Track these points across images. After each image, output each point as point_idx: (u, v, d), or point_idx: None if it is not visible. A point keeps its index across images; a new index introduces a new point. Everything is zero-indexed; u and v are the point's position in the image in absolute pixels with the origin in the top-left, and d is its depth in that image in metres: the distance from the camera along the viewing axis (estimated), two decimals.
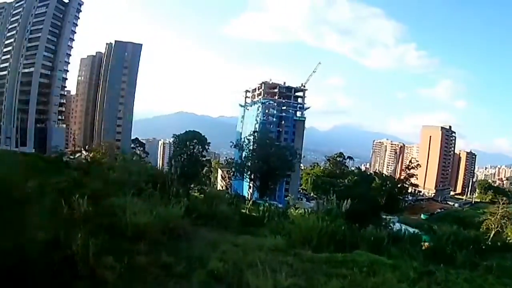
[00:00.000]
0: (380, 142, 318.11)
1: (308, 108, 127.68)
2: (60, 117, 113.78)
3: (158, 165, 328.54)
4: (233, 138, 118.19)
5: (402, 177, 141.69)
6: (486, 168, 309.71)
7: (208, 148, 60.74)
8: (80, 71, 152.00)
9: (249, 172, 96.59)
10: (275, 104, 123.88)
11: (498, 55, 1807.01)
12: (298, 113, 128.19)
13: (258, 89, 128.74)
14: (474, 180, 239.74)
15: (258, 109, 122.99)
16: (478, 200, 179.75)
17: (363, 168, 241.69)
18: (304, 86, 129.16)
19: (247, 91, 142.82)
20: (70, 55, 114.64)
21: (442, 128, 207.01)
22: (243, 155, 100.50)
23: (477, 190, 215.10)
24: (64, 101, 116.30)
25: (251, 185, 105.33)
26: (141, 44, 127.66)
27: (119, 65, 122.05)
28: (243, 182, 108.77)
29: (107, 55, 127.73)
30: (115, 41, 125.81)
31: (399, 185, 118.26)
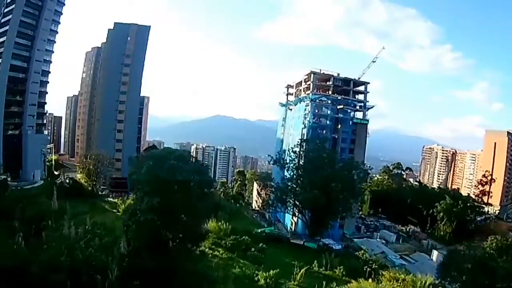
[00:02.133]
0: (430, 148, 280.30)
1: (372, 107, 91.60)
2: (40, 121, 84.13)
3: None
4: (272, 143, 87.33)
5: (474, 195, 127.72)
6: None
7: (211, 189, 26.51)
8: (84, 67, 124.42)
9: (296, 202, 62.54)
10: (329, 101, 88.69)
11: None
12: (357, 114, 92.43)
13: (305, 82, 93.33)
14: None
15: (305, 109, 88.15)
16: None
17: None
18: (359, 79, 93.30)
19: (289, 86, 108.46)
20: (54, 41, 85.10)
21: (508, 133, 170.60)
22: (287, 175, 66.50)
23: None
24: (46, 101, 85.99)
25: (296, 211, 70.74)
26: (149, 26, 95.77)
27: (118, 53, 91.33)
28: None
29: (107, 43, 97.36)
30: (115, 23, 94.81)
31: (469, 204, 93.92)
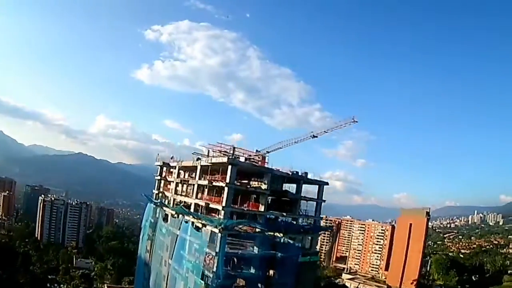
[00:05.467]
0: None
1: (329, 228, 47.96)
2: None
3: (36, 233, 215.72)
4: (131, 188, 39.83)
5: None
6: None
7: None
8: None
9: None
10: (257, 228, 40.14)
11: (399, 117, 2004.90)
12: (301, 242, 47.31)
13: (208, 176, 42.78)
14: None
15: (207, 240, 39.16)
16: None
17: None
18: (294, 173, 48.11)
19: (165, 165, 58.44)
20: None
21: (427, 213, 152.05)
22: None
23: (432, 269, 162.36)
24: None
25: None
26: None
27: None
28: None
29: None
30: None
31: None
